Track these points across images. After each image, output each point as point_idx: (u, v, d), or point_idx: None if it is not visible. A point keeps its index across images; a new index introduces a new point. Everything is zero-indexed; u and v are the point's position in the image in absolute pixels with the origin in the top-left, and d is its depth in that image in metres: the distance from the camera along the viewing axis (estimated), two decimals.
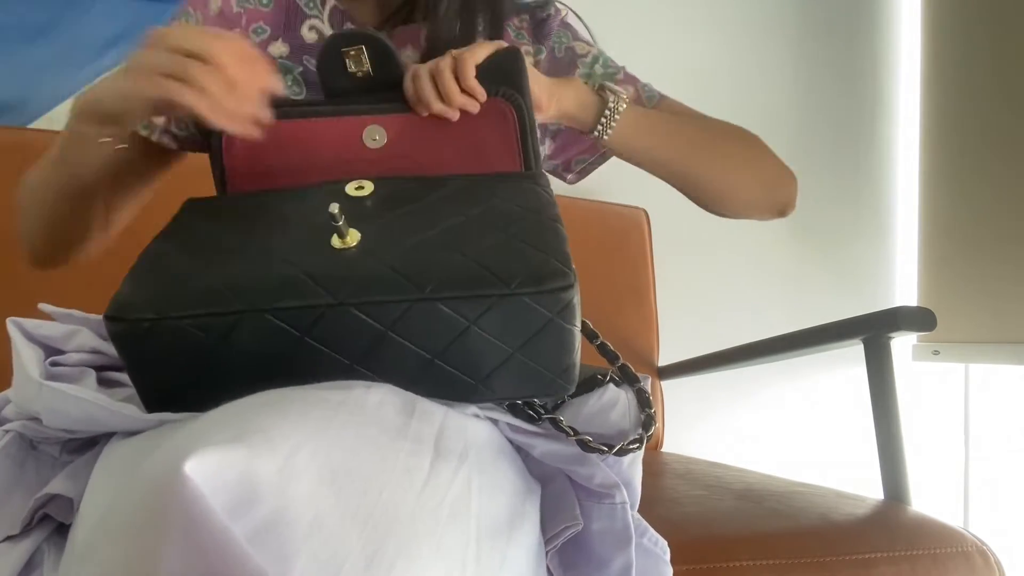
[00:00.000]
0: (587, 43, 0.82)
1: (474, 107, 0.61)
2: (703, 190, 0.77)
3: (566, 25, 0.83)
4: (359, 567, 0.34)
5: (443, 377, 0.48)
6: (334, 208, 0.47)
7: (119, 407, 0.47)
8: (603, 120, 0.69)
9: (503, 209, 0.52)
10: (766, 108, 1.61)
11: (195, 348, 0.45)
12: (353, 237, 0.49)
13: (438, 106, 0.60)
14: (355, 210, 0.52)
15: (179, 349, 0.46)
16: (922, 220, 1.60)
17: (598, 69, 0.81)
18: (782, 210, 0.80)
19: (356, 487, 0.36)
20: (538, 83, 0.65)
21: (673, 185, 0.78)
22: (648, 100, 0.81)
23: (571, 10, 0.84)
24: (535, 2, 0.83)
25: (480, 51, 0.62)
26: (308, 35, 0.75)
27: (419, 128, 0.62)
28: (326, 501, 0.34)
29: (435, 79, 0.60)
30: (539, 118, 0.65)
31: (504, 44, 0.64)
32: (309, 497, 0.34)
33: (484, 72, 0.62)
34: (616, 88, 0.71)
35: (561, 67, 0.81)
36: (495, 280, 0.46)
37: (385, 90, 0.63)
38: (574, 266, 0.48)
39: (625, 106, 0.70)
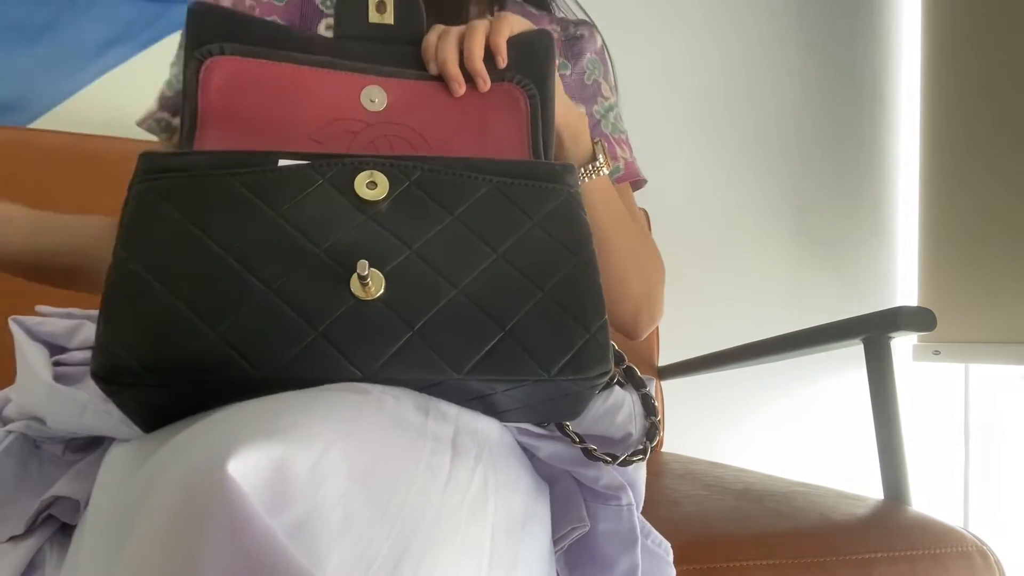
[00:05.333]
0: (611, 89, 0.82)
1: (485, 82, 0.57)
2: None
3: (603, 58, 0.82)
4: (388, 566, 0.34)
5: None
6: (363, 270, 0.43)
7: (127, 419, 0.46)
8: (587, 167, 0.68)
9: (536, 246, 0.48)
10: (766, 108, 1.62)
11: (202, 396, 0.42)
12: (376, 284, 0.44)
13: (454, 67, 0.57)
14: (368, 217, 0.47)
15: (183, 399, 0.43)
16: (922, 220, 1.60)
17: (611, 117, 0.81)
18: (629, 331, 0.80)
19: (384, 486, 0.36)
20: (560, 94, 0.63)
21: None
22: (637, 171, 0.82)
23: (606, 45, 0.83)
24: (574, 20, 0.83)
25: (516, 23, 0.60)
26: (327, 35, 0.73)
27: (422, 97, 0.58)
28: (356, 500, 0.34)
29: (463, 39, 0.57)
30: None
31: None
32: (340, 496, 0.34)
33: (513, 47, 0.59)
34: (607, 153, 0.70)
35: (586, 95, 0.80)
36: (535, 367, 0.45)
37: (401, 44, 0.59)
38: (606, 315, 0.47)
39: (606, 171, 0.69)
